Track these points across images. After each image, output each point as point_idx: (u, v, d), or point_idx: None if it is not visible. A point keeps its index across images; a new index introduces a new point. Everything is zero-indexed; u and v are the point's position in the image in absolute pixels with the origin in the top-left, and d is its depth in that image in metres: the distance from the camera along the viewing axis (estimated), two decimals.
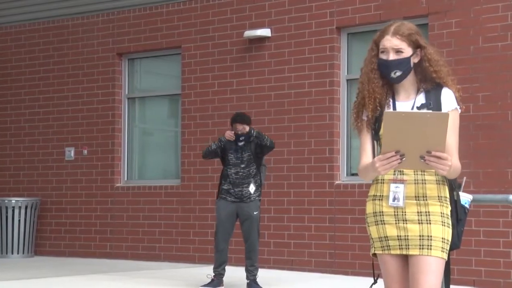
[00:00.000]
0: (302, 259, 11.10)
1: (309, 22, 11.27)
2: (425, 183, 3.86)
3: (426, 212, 3.85)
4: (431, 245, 3.82)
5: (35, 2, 13.97)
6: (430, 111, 3.82)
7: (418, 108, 3.91)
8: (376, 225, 3.93)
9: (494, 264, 9.64)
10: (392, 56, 3.90)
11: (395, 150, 3.65)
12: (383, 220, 3.90)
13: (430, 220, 3.85)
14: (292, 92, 11.34)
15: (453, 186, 3.99)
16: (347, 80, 11.09)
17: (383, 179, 3.91)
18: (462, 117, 4.09)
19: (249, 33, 11.63)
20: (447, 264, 3.97)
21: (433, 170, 3.77)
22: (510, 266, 9.57)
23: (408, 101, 3.96)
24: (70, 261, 12.65)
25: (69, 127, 13.44)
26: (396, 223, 3.88)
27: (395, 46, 3.90)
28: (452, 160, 3.71)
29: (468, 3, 10.06)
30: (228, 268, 9.51)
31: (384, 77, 3.95)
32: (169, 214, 12.34)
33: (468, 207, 4.08)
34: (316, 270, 10.94)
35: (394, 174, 3.86)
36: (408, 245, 3.85)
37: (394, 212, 3.88)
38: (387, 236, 3.90)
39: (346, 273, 10.69)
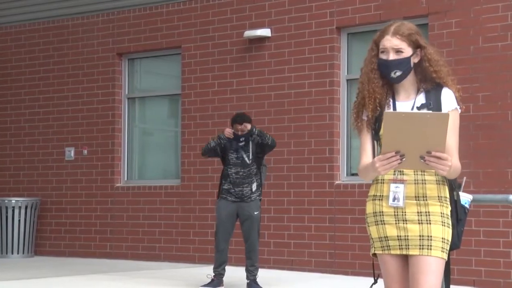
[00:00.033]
0: (302, 259, 11.10)
1: (309, 22, 11.27)
2: (425, 183, 3.86)
3: (426, 212, 3.85)
4: (431, 245, 3.82)
5: (35, 2, 13.96)
6: (430, 111, 3.82)
7: (418, 108, 3.91)
8: (376, 225, 3.93)
9: (494, 264, 9.64)
10: (392, 56, 3.90)
11: (395, 150, 3.65)
12: (383, 220, 3.90)
13: (430, 220, 3.84)
14: (292, 92, 11.34)
15: (453, 186, 3.98)
16: (347, 80, 11.09)
17: (383, 179, 3.91)
18: (462, 117, 4.09)
19: (249, 33, 11.62)
20: (447, 264, 3.97)
21: (433, 170, 3.77)
22: (510, 266, 9.57)
23: (408, 101, 3.96)
24: (70, 261, 12.64)
25: (69, 127, 13.44)
26: (396, 223, 3.88)
27: (395, 46, 3.90)
28: (452, 160, 3.71)
29: (468, 3, 10.05)
30: (228, 268, 9.50)
31: (384, 77, 3.95)
32: (169, 214, 12.34)
33: (468, 207, 4.08)
34: (316, 270, 10.93)
35: (394, 174, 3.86)
36: (408, 245, 3.85)
37: (394, 212, 3.88)
38: (387, 236, 3.90)
39: (346, 273, 10.69)
